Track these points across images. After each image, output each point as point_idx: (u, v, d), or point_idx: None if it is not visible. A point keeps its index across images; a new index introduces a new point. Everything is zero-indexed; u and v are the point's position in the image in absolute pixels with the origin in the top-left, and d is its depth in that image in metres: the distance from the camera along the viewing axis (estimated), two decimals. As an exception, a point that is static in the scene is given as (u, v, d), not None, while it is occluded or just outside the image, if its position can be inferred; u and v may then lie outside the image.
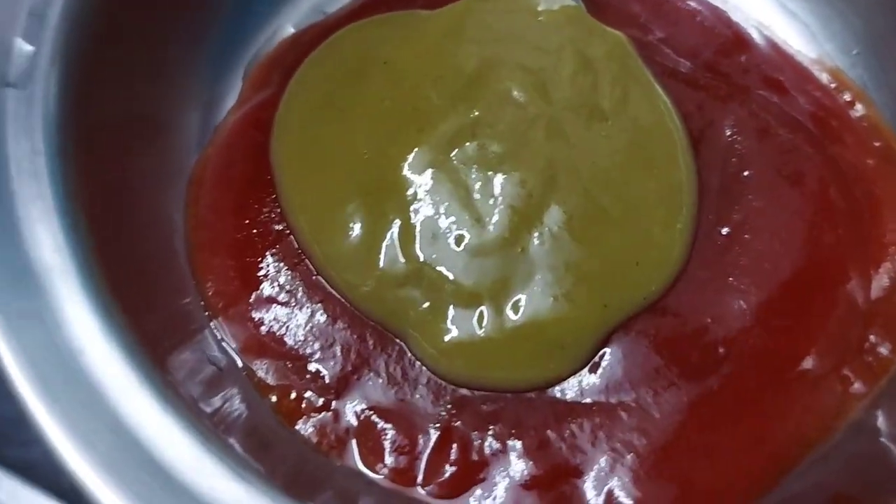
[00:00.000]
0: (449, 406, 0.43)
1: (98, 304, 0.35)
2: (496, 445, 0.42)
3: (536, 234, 0.44)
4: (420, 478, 0.41)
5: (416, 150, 0.46)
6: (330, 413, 0.42)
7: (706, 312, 0.44)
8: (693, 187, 0.47)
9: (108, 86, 0.43)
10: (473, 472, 0.41)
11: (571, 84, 0.48)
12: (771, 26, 0.54)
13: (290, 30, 0.54)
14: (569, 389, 0.43)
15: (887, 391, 0.43)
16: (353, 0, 0.55)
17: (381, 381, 0.43)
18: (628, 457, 0.41)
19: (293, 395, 0.43)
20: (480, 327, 0.43)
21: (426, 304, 0.43)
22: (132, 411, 0.33)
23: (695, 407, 0.42)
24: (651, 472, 0.41)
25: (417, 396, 0.43)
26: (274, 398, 0.43)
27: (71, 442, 0.32)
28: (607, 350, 0.44)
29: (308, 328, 0.44)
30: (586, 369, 0.43)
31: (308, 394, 0.43)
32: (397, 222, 0.44)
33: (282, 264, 0.46)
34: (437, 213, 0.44)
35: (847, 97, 0.52)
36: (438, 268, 0.44)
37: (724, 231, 0.46)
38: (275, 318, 0.44)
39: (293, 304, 0.45)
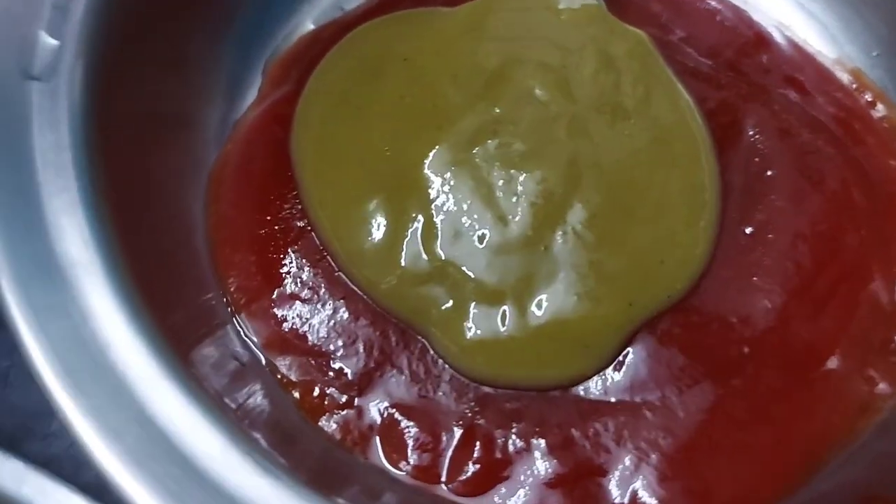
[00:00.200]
0: (472, 404, 0.42)
1: (124, 298, 0.35)
2: (520, 443, 0.41)
3: (560, 233, 0.44)
4: (444, 475, 0.41)
5: (436, 147, 0.46)
6: (353, 410, 0.42)
7: (730, 311, 0.44)
8: (716, 186, 0.46)
9: (131, 80, 0.43)
10: (497, 470, 0.41)
11: (593, 82, 0.48)
12: (791, 26, 0.54)
13: (310, 26, 0.54)
14: (593, 388, 0.43)
15: (913, 392, 0.43)
16: (372, -3, 0.55)
17: (403, 378, 0.43)
18: (653, 456, 0.41)
19: (316, 392, 0.43)
20: (503, 326, 0.43)
21: (449, 303, 0.43)
22: (159, 404, 0.33)
23: (720, 406, 0.42)
24: (676, 471, 0.41)
25: (440, 394, 0.43)
26: (297, 394, 0.43)
27: (98, 435, 0.32)
28: (631, 349, 0.43)
29: (330, 325, 0.44)
30: (610, 368, 0.43)
31: (331, 390, 0.43)
32: (419, 220, 0.44)
33: (304, 261, 0.45)
34: (460, 210, 0.44)
35: (868, 98, 0.51)
36: (461, 266, 0.43)
37: (748, 230, 0.46)
38: (297, 315, 0.44)
39: (315, 301, 0.44)
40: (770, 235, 0.46)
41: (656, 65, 0.50)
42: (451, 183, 0.45)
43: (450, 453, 0.41)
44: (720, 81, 0.50)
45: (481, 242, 0.44)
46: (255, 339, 0.44)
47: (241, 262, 0.45)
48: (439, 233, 0.44)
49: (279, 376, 0.43)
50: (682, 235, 0.45)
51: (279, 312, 0.44)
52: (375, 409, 0.42)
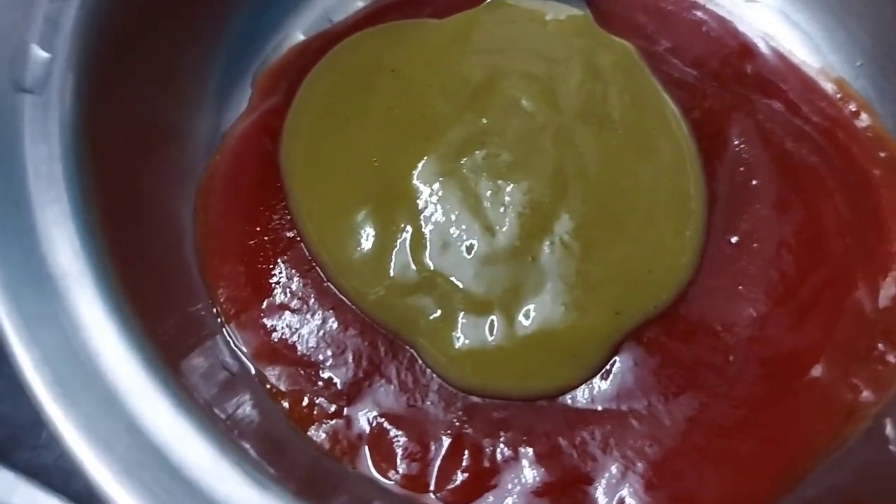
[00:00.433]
0: (460, 413, 0.43)
1: (113, 308, 0.35)
2: (508, 452, 0.42)
3: (547, 243, 0.44)
4: (432, 484, 0.41)
5: (425, 158, 0.46)
6: (342, 420, 0.43)
7: (716, 320, 0.44)
8: (702, 196, 0.47)
9: (121, 92, 0.43)
10: (485, 479, 0.41)
11: (580, 93, 0.48)
12: (776, 37, 0.55)
13: (300, 37, 0.55)
14: (580, 397, 0.43)
15: (896, 399, 0.43)
16: (361, 8, 0.55)
17: (392, 387, 0.43)
18: (639, 464, 0.41)
19: (305, 402, 0.43)
20: (491, 336, 0.43)
21: (437, 313, 0.43)
22: (148, 414, 0.33)
23: (705, 414, 0.42)
24: (662, 479, 0.41)
25: (429, 403, 0.43)
26: (286, 404, 0.43)
27: (88, 444, 0.32)
28: (618, 358, 0.44)
29: (320, 335, 0.44)
30: (597, 377, 0.43)
31: (320, 400, 0.43)
32: (408, 230, 0.44)
33: (293, 271, 0.46)
34: (448, 221, 0.44)
35: (852, 108, 0.52)
36: (449, 276, 0.44)
37: (733, 240, 0.46)
38: (287, 325, 0.44)
39: (305, 311, 0.45)
40: (755, 244, 0.46)
41: (642, 75, 0.50)
42: (439, 193, 0.45)
43: (438, 462, 0.41)
44: (705, 91, 0.51)
45: (469, 253, 0.44)
46: (244, 350, 0.44)
47: (231, 272, 0.45)
48: (427, 243, 0.44)
49: (268, 386, 0.43)
50: (668, 245, 0.45)
51: (268, 323, 0.44)
52: (364, 418, 0.42)
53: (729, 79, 0.52)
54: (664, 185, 0.47)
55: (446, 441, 0.42)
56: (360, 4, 0.56)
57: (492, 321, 0.43)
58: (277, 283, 0.45)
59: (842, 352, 0.44)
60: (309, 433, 0.42)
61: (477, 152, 0.46)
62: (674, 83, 0.51)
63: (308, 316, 0.45)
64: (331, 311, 0.45)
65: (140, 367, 0.34)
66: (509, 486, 0.41)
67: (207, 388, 0.39)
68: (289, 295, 0.45)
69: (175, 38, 0.48)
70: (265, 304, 0.45)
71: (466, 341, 0.43)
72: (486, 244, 0.44)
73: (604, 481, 0.41)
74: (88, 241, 0.36)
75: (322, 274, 0.45)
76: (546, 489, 0.41)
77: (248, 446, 0.36)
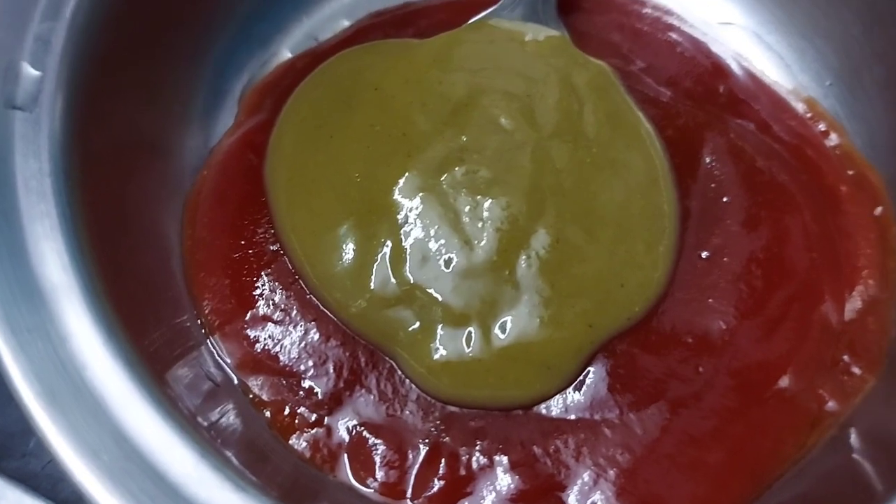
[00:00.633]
0: (438, 422, 0.44)
1: (100, 320, 0.36)
2: (483, 460, 0.43)
3: (523, 257, 0.45)
4: (409, 492, 0.42)
5: (405, 174, 0.47)
6: (323, 429, 0.44)
7: (687, 332, 0.46)
8: (675, 212, 0.48)
9: (110, 109, 0.44)
10: (461, 486, 0.42)
11: (557, 111, 0.49)
12: (749, 58, 0.56)
13: (286, 55, 0.56)
14: (554, 406, 0.44)
15: (860, 409, 0.44)
16: (346, 28, 0.57)
17: (372, 397, 0.44)
18: (611, 471, 0.42)
19: (287, 411, 0.44)
20: (469, 347, 0.44)
21: (416, 325, 0.44)
22: (134, 423, 0.35)
23: (675, 424, 0.44)
24: (633, 486, 0.42)
25: (407, 413, 0.44)
26: (268, 413, 0.44)
27: (75, 452, 0.33)
28: (592, 369, 0.45)
29: (302, 346, 0.45)
30: (571, 387, 0.44)
31: (301, 410, 0.44)
32: (388, 244, 0.45)
33: (276, 284, 0.47)
34: (427, 235, 0.45)
35: (822, 127, 0.53)
36: (428, 289, 0.45)
37: (704, 254, 0.48)
38: (269, 336, 0.46)
39: (287, 323, 0.46)
40: (725, 259, 0.47)
41: (618, 94, 0.51)
42: (419, 209, 0.46)
43: (415, 470, 0.43)
44: (679, 110, 0.52)
45: (448, 267, 0.45)
46: (228, 360, 0.45)
47: (216, 284, 0.47)
48: (407, 257, 0.45)
49: (251, 396, 0.44)
50: (641, 259, 0.47)
51: (252, 334, 0.46)
52: (344, 427, 0.44)
53: (702, 98, 0.53)
54: (638, 202, 0.48)
55: (424, 449, 0.43)
56: (346, 24, 0.57)
57: (469, 333, 0.44)
58: (261, 295, 0.46)
59: (808, 363, 0.45)
60: (290, 442, 0.43)
61: (456, 169, 0.47)
62: (648, 102, 0.52)
63: (290, 327, 0.46)
64: (313, 323, 0.46)
65: (126, 377, 0.35)
66: (484, 493, 0.42)
67: (192, 398, 0.40)
68: (272, 307, 0.46)
69: (163, 56, 0.49)
70: (249, 315, 0.46)
71: (445, 353, 0.44)
72: (464, 258, 0.45)
73: (576, 488, 0.42)
74: (77, 254, 0.38)
75: (305, 286, 0.47)
76: (520, 496, 0.42)
77: (230, 454, 0.38)
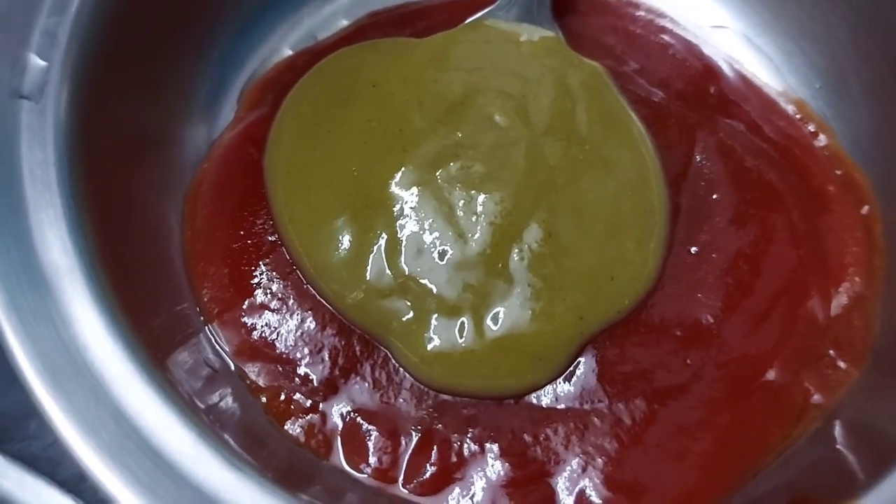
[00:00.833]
0: (431, 410, 0.45)
1: (102, 305, 0.38)
2: (474, 447, 0.44)
3: (516, 251, 0.46)
4: (401, 477, 0.43)
5: (401, 168, 0.48)
6: (317, 414, 0.45)
7: (675, 325, 0.47)
8: (665, 208, 0.49)
9: (114, 101, 0.45)
10: (452, 472, 0.43)
11: (550, 110, 0.50)
12: (740, 60, 0.57)
13: (287, 52, 0.57)
14: (545, 396, 0.45)
15: (845, 402, 0.45)
16: (345, 27, 0.58)
17: (366, 384, 0.45)
18: (599, 459, 0.43)
19: (283, 397, 0.45)
20: (461, 338, 0.45)
21: (410, 315, 0.45)
22: (134, 403, 0.36)
23: (663, 414, 0.44)
24: (621, 474, 0.43)
25: (401, 400, 0.45)
26: (265, 399, 0.45)
27: (76, 430, 0.34)
28: (582, 360, 0.46)
29: (298, 334, 0.46)
30: (562, 377, 0.45)
31: (297, 396, 0.45)
32: (384, 236, 0.46)
33: (274, 273, 0.48)
34: (422, 228, 0.46)
35: (811, 128, 0.54)
36: (422, 280, 0.46)
37: (693, 250, 0.49)
38: (267, 324, 0.47)
39: (284, 311, 0.47)
40: (714, 255, 0.48)
41: (610, 94, 0.52)
42: (415, 202, 0.47)
43: (408, 456, 0.44)
44: (670, 110, 0.53)
45: (442, 259, 0.46)
46: (226, 347, 0.46)
47: (215, 273, 0.48)
48: (402, 249, 0.46)
49: (248, 382, 0.45)
50: (632, 254, 0.48)
51: (249, 322, 0.47)
52: (338, 414, 0.45)
53: (693, 99, 0.55)
54: (629, 198, 0.49)
55: (416, 436, 0.44)
56: (345, 23, 0.58)
57: (462, 324, 0.45)
58: (259, 284, 0.47)
59: (794, 357, 0.46)
60: (286, 427, 0.44)
61: (451, 164, 0.48)
62: (640, 102, 0.53)
63: (287, 316, 0.47)
64: (309, 312, 0.47)
65: (126, 359, 0.37)
66: (475, 478, 0.43)
67: (191, 383, 0.41)
68: (269, 296, 0.47)
69: (166, 52, 0.50)
70: (247, 304, 0.47)
71: (438, 343, 0.45)
72: (458, 251, 0.46)
73: (565, 475, 0.43)
74: (80, 242, 0.39)
75: (302, 277, 0.48)
76: (510, 482, 0.43)
77: (228, 437, 0.38)
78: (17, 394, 0.35)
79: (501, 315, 0.45)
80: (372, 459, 0.43)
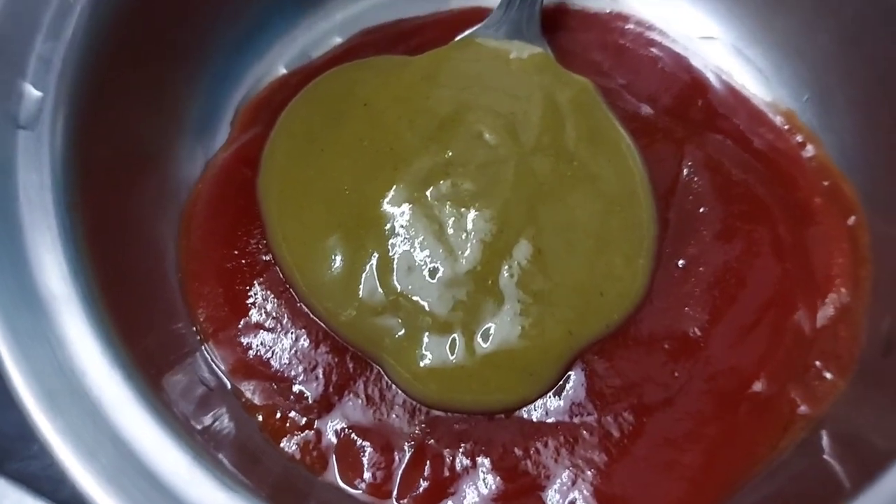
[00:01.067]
0: (423, 425, 0.46)
1: (99, 328, 0.39)
2: (467, 462, 0.44)
3: (506, 267, 0.47)
4: (395, 492, 0.44)
5: (393, 187, 0.48)
6: (312, 431, 0.45)
7: (663, 338, 0.47)
8: (653, 223, 0.50)
9: (109, 125, 0.46)
10: (445, 487, 0.44)
11: (540, 127, 0.51)
12: (729, 72, 0.58)
13: (281, 71, 0.58)
14: (535, 410, 0.46)
15: (831, 412, 0.46)
16: (339, 45, 0.58)
17: (360, 401, 0.46)
18: (589, 472, 0.44)
19: (278, 415, 0.46)
20: (453, 354, 0.46)
21: (402, 332, 0.46)
22: (130, 426, 0.37)
23: (652, 426, 0.45)
24: (610, 486, 0.44)
25: (394, 416, 0.46)
26: (260, 417, 0.46)
27: (74, 453, 0.35)
28: (572, 373, 0.47)
29: (292, 352, 0.47)
30: (552, 392, 0.46)
31: (292, 413, 0.46)
32: (375, 255, 0.47)
33: (268, 292, 0.49)
34: (413, 246, 0.47)
35: (799, 138, 0.55)
36: (414, 298, 0.46)
37: (681, 263, 0.49)
38: (261, 343, 0.47)
39: (279, 330, 0.48)
40: (701, 268, 0.49)
41: (599, 110, 0.53)
42: (406, 220, 0.48)
43: (401, 471, 0.44)
44: (658, 125, 0.54)
45: (433, 276, 0.47)
46: (221, 366, 0.47)
47: (210, 293, 0.48)
48: (394, 267, 0.47)
49: (244, 400, 0.46)
50: (621, 270, 0.48)
51: (244, 340, 0.47)
52: (333, 430, 0.45)
53: (681, 113, 0.55)
54: (618, 214, 0.49)
55: (409, 451, 0.45)
56: (339, 40, 0.59)
57: (454, 340, 0.46)
58: (253, 303, 0.48)
59: (781, 369, 0.47)
60: (281, 445, 0.45)
61: (441, 182, 0.49)
62: (629, 117, 0.54)
63: (282, 334, 0.48)
64: (303, 330, 0.48)
65: (123, 383, 0.37)
66: (467, 493, 0.44)
67: (186, 403, 0.42)
68: (264, 315, 0.48)
69: (161, 73, 0.51)
70: (242, 323, 0.48)
71: (430, 359, 0.46)
72: (448, 268, 0.47)
73: (555, 488, 0.44)
74: (76, 265, 0.40)
75: (295, 295, 0.48)
76: (502, 495, 0.44)
77: (222, 457, 0.39)
78: (17, 415, 0.36)
79: (492, 331, 0.46)
80: (366, 475, 0.44)
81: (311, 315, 0.48)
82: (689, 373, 0.46)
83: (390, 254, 0.47)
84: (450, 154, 0.50)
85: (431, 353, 0.46)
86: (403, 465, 0.44)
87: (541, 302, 0.47)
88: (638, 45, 0.58)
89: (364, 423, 0.46)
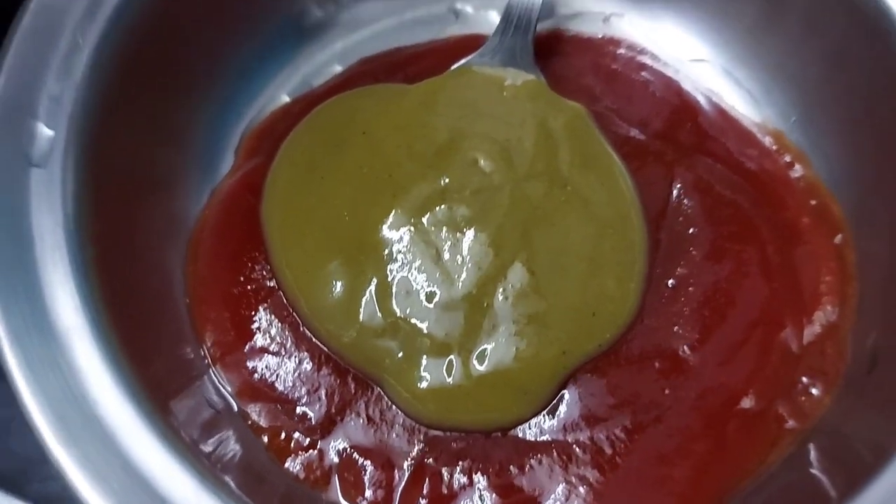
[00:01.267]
0: (422, 444, 0.47)
1: (110, 358, 0.41)
2: (464, 480, 0.46)
3: (501, 290, 0.48)
4: (396, 509, 0.46)
5: (391, 213, 0.50)
6: (315, 451, 0.47)
7: (654, 357, 0.49)
8: (644, 245, 0.51)
9: (118, 158, 0.48)
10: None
11: (533, 153, 0.52)
12: (720, 93, 0.59)
13: (284, 98, 0.59)
14: (530, 428, 0.48)
15: (819, 427, 0.47)
16: (339, 73, 0.60)
17: (361, 421, 0.48)
18: (582, 489, 0.46)
19: (283, 436, 0.47)
20: (450, 375, 0.47)
21: (401, 354, 0.48)
22: (140, 452, 0.39)
23: (644, 443, 0.47)
24: (603, 501, 0.46)
25: (394, 436, 0.48)
26: (266, 438, 0.47)
27: (87, 480, 0.37)
28: (565, 392, 0.48)
29: (296, 374, 0.49)
30: (546, 410, 0.48)
31: (296, 434, 0.47)
32: (375, 279, 0.49)
33: (273, 317, 0.50)
34: (411, 271, 0.49)
35: (787, 158, 0.56)
36: (412, 321, 0.48)
37: (671, 283, 0.51)
38: (266, 366, 0.49)
39: (283, 353, 0.49)
40: (691, 288, 0.51)
41: (592, 135, 0.54)
42: (404, 246, 0.49)
43: (401, 489, 0.46)
44: (649, 148, 0.55)
45: (430, 300, 0.48)
46: (228, 389, 0.49)
47: (217, 318, 0.50)
48: (393, 291, 0.48)
49: (250, 422, 0.48)
50: (613, 291, 0.50)
51: (251, 364, 0.49)
52: (335, 450, 0.47)
53: (672, 136, 0.56)
54: (610, 237, 0.51)
55: (409, 470, 0.47)
56: (339, 69, 0.60)
57: (451, 361, 0.47)
58: (259, 327, 0.50)
59: (769, 386, 0.48)
60: (286, 465, 0.47)
61: (438, 208, 0.50)
62: (621, 141, 0.55)
63: (286, 358, 0.49)
64: (306, 353, 0.49)
65: (133, 410, 0.40)
66: (465, 509, 0.46)
67: (194, 426, 0.44)
68: (269, 338, 0.50)
69: (167, 106, 0.52)
70: (248, 347, 0.50)
71: (428, 380, 0.47)
72: (445, 292, 0.48)
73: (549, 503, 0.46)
74: (87, 297, 0.42)
75: (299, 319, 0.50)
76: (498, 512, 0.46)
77: (228, 479, 0.41)
78: (36, 437, 0.38)
79: (488, 352, 0.48)
80: (367, 493, 0.46)
81: (314, 338, 0.50)
82: (678, 390, 0.48)
83: (389, 278, 0.49)
84: (446, 181, 0.51)
85: (430, 374, 0.47)
86: (403, 483, 0.46)
87: (535, 323, 0.48)
88: (630, 69, 0.59)
89: (365, 442, 0.47)
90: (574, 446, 0.47)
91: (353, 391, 0.49)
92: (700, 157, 0.55)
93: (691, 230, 0.52)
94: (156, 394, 0.42)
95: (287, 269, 0.50)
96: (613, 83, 0.59)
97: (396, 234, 0.50)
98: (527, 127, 0.53)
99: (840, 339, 0.50)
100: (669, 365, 0.49)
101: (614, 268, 0.50)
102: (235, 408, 0.48)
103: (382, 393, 0.48)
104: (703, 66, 0.60)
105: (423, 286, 0.48)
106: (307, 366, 0.49)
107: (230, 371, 0.49)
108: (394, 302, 0.48)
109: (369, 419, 0.48)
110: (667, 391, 0.48)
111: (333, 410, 0.48)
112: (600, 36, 0.61)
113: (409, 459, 0.47)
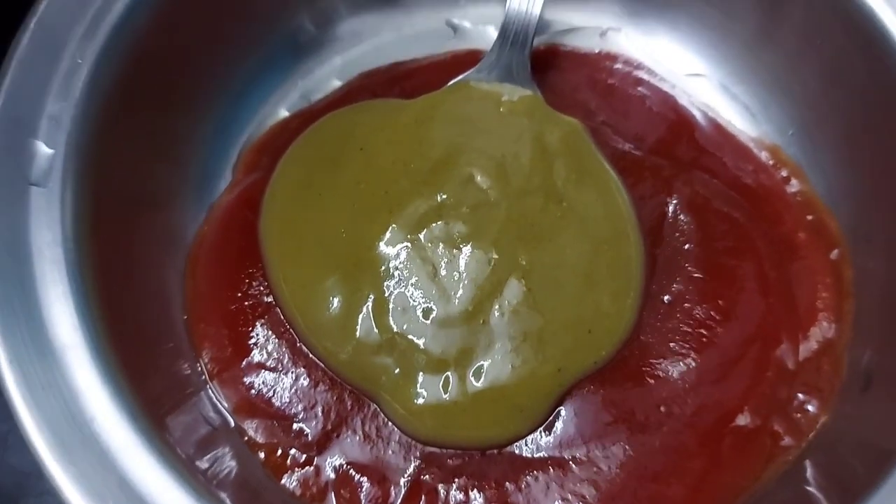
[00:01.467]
0: (418, 461, 0.47)
1: (107, 376, 0.41)
2: (460, 496, 0.46)
3: (497, 307, 0.49)
4: (391, 526, 0.46)
5: (388, 229, 0.50)
6: (312, 468, 0.47)
7: (649, 374, 0.49)
8: (641, 261, 0.51)
9: (116, 176, 0.48)
10: (439, 521, 0.46)
11: (529, 169, 0.52)
12: (716, 108, 0.59)
13: (283, 114, 0.59)
14: (526, 445, 0.48)
15: (814, 444, 0.48)
16: (337, 88, 0.60)
17: (357, 438, 0.48)
18: (577, 505, 0.46)
19: (279, 452, 0.48)
20: (446, 392, 0.47)
21: (397, 370, 0.48)
22: (136, 470, 0.39)
23: (639, 460, 0.47)
24: (599, 518, 0.46)
25: (390, 452, 0.48)
26: (262, 455, 0.48)
27: (83, 497, 0.37)
28: (561, 409, 0.48)
29: (293, 391, 0.49)
30: (542, 427, 0.48)
31: (293, 451, 0.48)
32: (372, 296, 0.49)
33: (270, 333, 0.50)
34: (408, 287, 0.49)
35: (784, 173, 0.56)
36: (409, 337, 0.48)
37: (667, 299, 0.51)
38: (263, 382, 0.49)
39: (280, 370, 0.50)
40: (687, 304, 0.51)
41: (588, 150, 0.54)
42: (400, 262, 0.49)
43: (397, 506, 0.46)
44: (645, 164, 0.55)
45: (426, 317, 0.48)
46: (225, 405, 0.49)
47: (215, 334, 0.50)
48: (390, 308, 0.49)
49: (246, 439, 0.48)
50: (609, 307, 0.50)
51: (248, 380, 0.49)
52: (331, 466, 0.47)
53: (668, 151, 0.57)
54: (606, 253, 0.51)
55: (405, 486, 0.47)
56: (338, 83, 0.60)
57: (447, 378, 0.48)
58: (256, 343, 0.50)
59: (764, 402, 0.48)
60: (282, 481, 0.47)
61: (434, 224, 0.50)
62: (617, 156, 0.55)
63: (283, 374, 0.49)
64: (303, 369, 0.50)
65: (129, 428, 0.40)
66: (461, 526, 0.46)
67: (190, 443, 0.44)
68: (266, 355, 0.50)
69: (165, 122, 0.53)
70: (245, 363, 0.50)
71: (425, 397, 0.47)
72: (441, 308, 0.48)
73: (545, 521, 0.46)
74: (85, 315, 0.42)
75: (296, 335, 0.50)
76: (493, 529, 0.46)
77: (224, 496, 0.41)
78: (33, 453, 0.38)
79: (484, 369, 0.48)
80: (363, 509, 0.46)
81: (311, 354, 0.50)
82: (674, 407, 0.48)
83: (386, 295, 0.49)
84: (442, 197, 0.51)
85: (426, 390, 0.47)
86: (399, 500, 0.46)
87: (531, 340, 0.48)
88: (626, 84, 0.60)
89: (361, 459, 0.47)
90: (570, 463, 0.47)
91: (349, 407, 0.49)
92: (696, 173, 0.55)
93: (687, 246, 0.52)
94: (152, 410, 0.42)
95: (284, 285, 0.50)
96: (610, 98, 0.59)
97: (393, 251, 0.50)
98: (523, 142, 0.54)
99: (836, 355, 0.50)
100: (665, 382, 0.49)
101: (610, 284, 0.50)
102: (232, 424, 0.48)
103: (379, 409, 0.49)
104: (700, 81, 0.60)
105: (419, 302, 0.49)
106: (304, 382, 0.49)
107: (227, 387, 0.49)
108: (390, 318, 0.48)
109: (366, 436, 0.48)
110: (662, 408, 0.48)
111: (330, 427, 0.48)
112: (597, 51, 0.61)
113: (405, 476, 0.47)
